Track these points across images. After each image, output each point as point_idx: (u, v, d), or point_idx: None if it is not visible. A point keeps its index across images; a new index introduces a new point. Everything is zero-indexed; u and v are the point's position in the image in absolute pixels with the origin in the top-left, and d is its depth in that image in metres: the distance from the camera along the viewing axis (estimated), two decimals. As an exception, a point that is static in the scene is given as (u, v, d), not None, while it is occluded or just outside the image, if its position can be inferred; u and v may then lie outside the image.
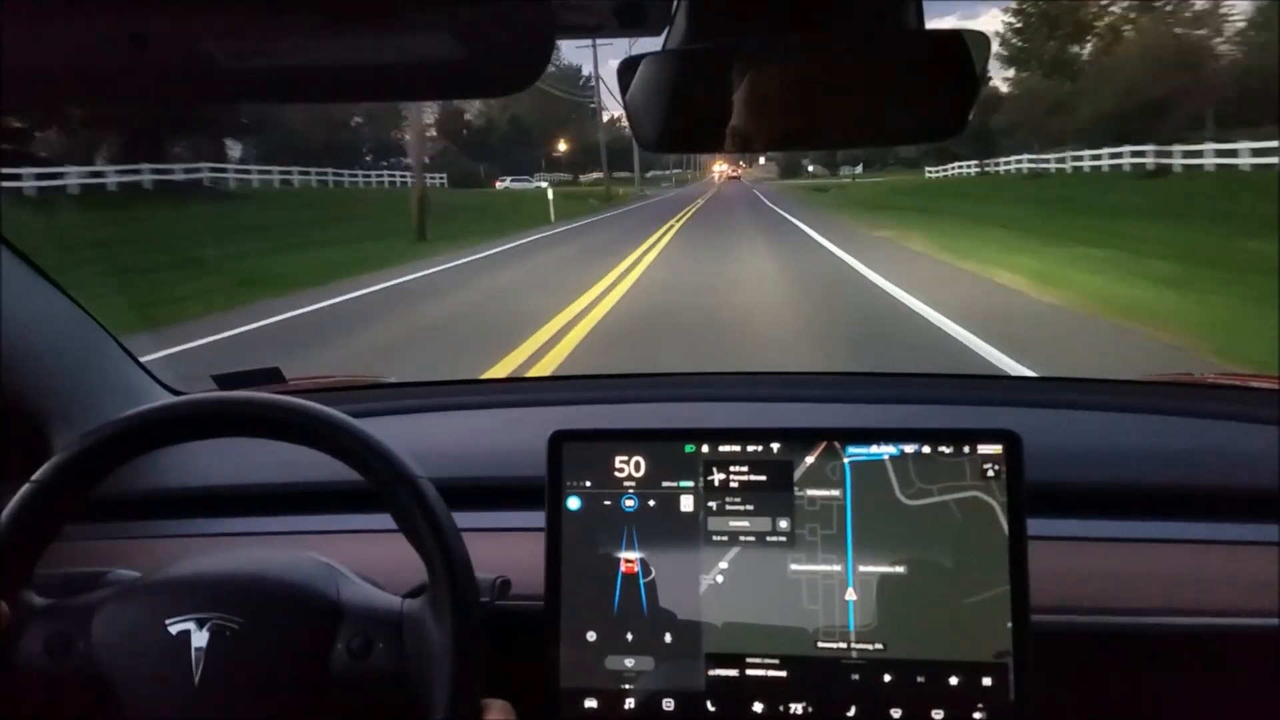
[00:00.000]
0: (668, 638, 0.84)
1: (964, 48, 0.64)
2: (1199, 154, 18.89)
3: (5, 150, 17.92)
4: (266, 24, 0.53)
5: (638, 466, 0.86)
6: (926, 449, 0.83)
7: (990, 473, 0.82)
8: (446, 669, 0.72)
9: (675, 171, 73.74)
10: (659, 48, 0.68)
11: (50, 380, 1.14)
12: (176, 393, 1.31)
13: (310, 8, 0.51)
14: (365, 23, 0.52)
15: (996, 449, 0.82)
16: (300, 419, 0.76)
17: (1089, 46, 31.26)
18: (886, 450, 0.83)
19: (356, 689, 0.74)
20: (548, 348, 5.84)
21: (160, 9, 0.50)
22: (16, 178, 17.36)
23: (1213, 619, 0.85)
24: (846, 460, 0.84)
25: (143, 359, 1.31)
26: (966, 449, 0.82)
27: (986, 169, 30.49)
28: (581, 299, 7.86)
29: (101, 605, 0.76)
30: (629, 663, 0.84)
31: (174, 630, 0.73)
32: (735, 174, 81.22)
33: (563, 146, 51.67)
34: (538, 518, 0.86)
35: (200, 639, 0.73)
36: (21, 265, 1.11)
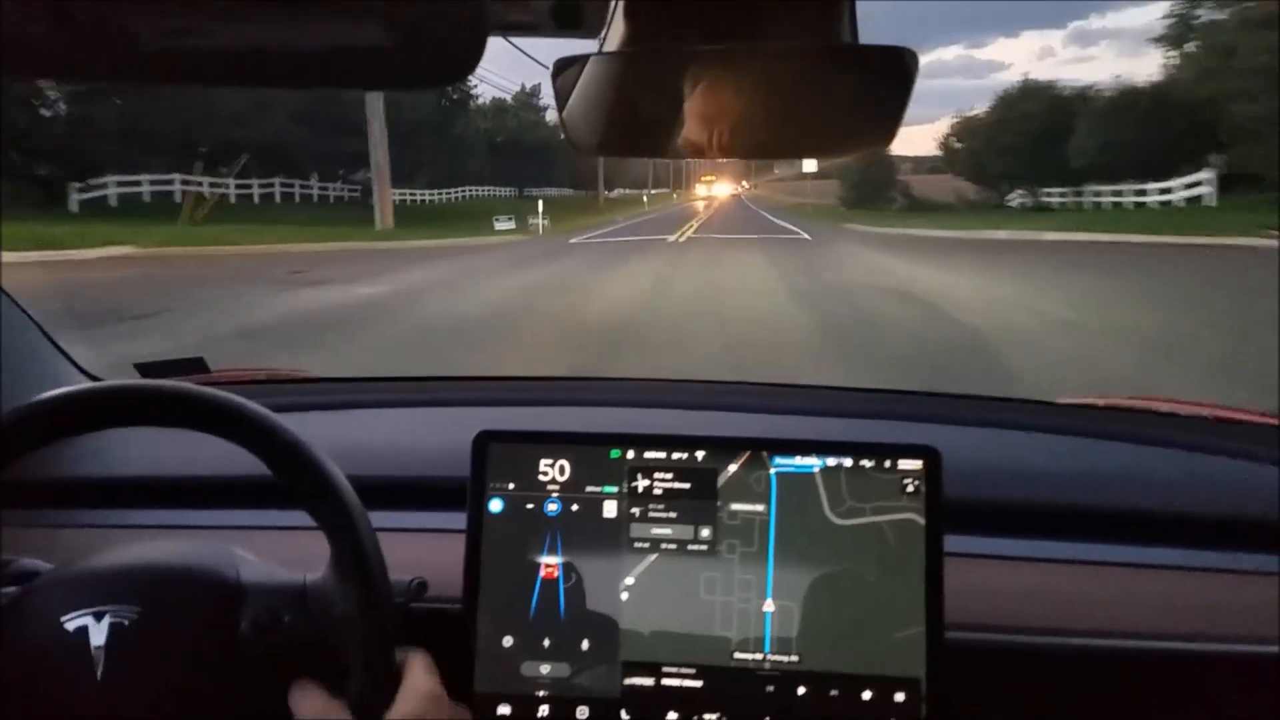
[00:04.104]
0: (585, 644, 0.87)
1: (898, 61, 0.69)
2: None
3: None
4: (193, 3, 0.55)
5: (562, 470, 0.89)
6: (850, 462, 0.87)
7: (910, 488, 0.87)
8: (359, 628, 0.75)
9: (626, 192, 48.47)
10: (595, 50, 0.72)
11: None
12: (94, 378, 1.32)
13: None
14: (291, 5, 0.55)
15: (917, 464, 0.87)
16: (213, 410, 0.78)
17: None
18: (814, 462, 0.88)
19: (269, 662, 0.77)
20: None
21: None
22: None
23: (1130, 641, 0.91)
24: (773, 470, 0.88)
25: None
26: (888, 463, 0.87)
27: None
28: None
29: None
30: (544, 669, 0.87)
31: (71, 626, 0.75)
32: (736, 192, 60.26)
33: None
34: (459, 519, 0.89)
35: (99, 634, 0.75)
36: None
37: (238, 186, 23.68)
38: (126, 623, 0.75)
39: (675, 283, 11.70)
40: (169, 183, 22.04)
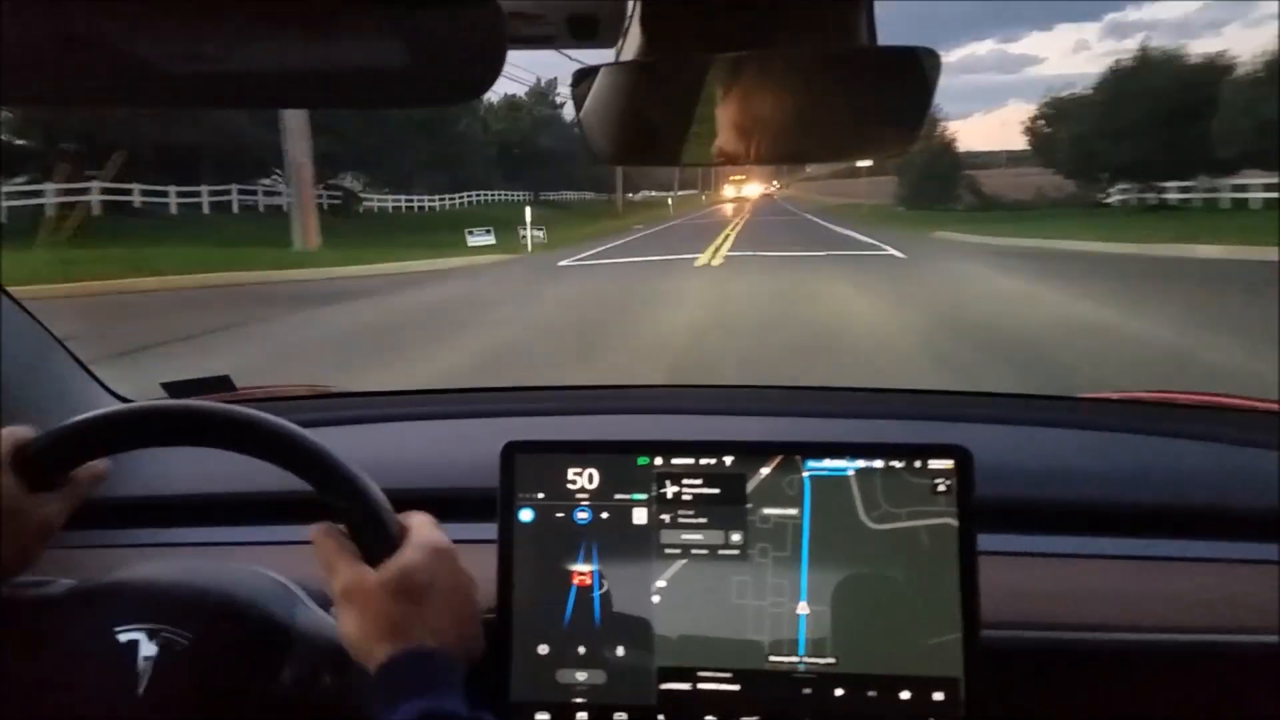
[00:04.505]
0: (620, 651, 0.88)
1: (917, 63, 0.68)
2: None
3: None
4: (210, 26, 0.56)
5: (590, 479, 0.90)
6: (881, 464, 0.87)
7: (942, 488, 0.87)
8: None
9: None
10: (612, 60, 0.72)
11: None
12: (124, 400, 1.34)
13: (254, 9, 0.54)
14: (312, 27, 0.56)
15: (948, 464, 0.87)
16: (249, 429, 0.80)
17: None
18: (847, 465, 0.88)
19: (301, 712, 0.78)
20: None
21: (98, 9, 0.53)
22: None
23: (1168, 635, 0.90)
24: (806, 474, 0.88)
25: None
26: (919, 464, 0.87)
27: None
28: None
29: (52, 606, 0.79)
30: (580, 676, 0.88)
31: (123, 639, 0.76)
32: (768, 192, 56.55)
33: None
34: (490, 529, 0.90)
35: (149, 650, 0.76)
36: None
37: (143, 194, 18.58)
38: (177, 646, 0.76)
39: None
40: (85, 191, 16.94)
